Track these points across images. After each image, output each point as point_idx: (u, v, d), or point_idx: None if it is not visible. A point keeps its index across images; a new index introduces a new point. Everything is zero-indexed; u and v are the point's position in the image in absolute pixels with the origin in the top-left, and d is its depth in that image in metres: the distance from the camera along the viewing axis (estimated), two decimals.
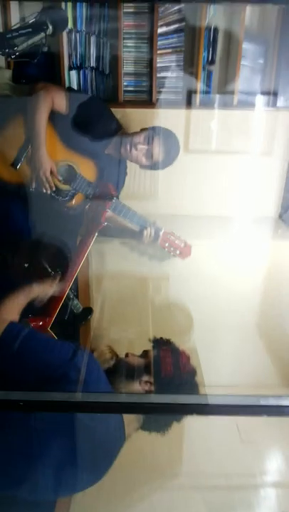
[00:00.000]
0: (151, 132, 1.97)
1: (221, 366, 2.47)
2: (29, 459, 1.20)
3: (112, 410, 1.06)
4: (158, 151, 1.96)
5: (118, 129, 2.06)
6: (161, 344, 1.48)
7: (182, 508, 1.91)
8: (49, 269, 1.85)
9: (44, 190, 1.90)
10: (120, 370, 1.49)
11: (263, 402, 0.92)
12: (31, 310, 1.55)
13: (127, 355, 1.50)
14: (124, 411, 1.15)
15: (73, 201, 2.00)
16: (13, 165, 1.87)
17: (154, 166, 2.02)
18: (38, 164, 1.85)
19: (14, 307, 1.44)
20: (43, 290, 1.60)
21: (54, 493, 1.39)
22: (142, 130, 2.00)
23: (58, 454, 1.21)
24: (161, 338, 1.53)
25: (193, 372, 1.41)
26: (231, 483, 1.95)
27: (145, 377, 1.39)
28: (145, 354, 1.48)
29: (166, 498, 1.92)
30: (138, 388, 1.37)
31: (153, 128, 1.99)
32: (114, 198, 1.94)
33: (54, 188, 1.92)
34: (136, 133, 2.00)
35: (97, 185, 1.98)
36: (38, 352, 1.28)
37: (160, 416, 1.27)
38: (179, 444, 1.93)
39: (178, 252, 2.06)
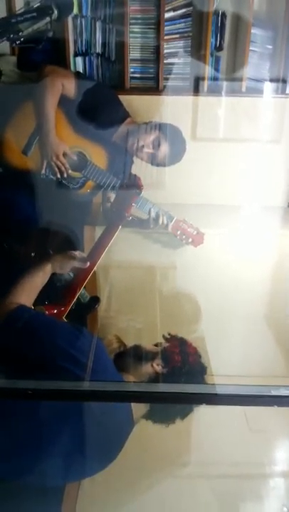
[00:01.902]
0: (157, 134, 1.96)
1: (229, 356, 2.46)
2: (38, 445, 1.20)
3: (120, 399, 1.06)
4: (164, 153, 1.97)
5: (125, 117, 2.04)
6: (173, 340, 1.47)
7: (190, 496, 1.92)
8: None
9: (58, 175, 1.88)
10: (130, 354, 1.49)
11: (274, 393, 0.90)
12: (47, 297, 1.53)
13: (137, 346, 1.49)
14: (132, 400, 1.15)
15: (83, 189, 1.99)
16: (24, 152, 1.85)
17: (160, 164, 2.02)
18: (49, 148, 1.83)
19: (28, 289, 1.40)
20: (59, 267, 1.53)
21: (63, 479, 1.39)
22: (148, 126, 1.97)
23: (67, 439, 1.21)
24: (173, 334, 1.51)
25: (203, 370, 1.40)
26: (239, 472, 1.96)
27: (157, 361, 1.39)
28: (156, 345, 1.47)
29: (174, 487, 1.93)
30: (150, 370, 1.36)
31: (159, 127, 1.97)
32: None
33: (69, 171, 1.89)
34: (142, 131, 1.97)
35: (123, 176, 1.94)
36: (44, 331, 1.28)
37: (168, 406, 1.26)
38: (187, 432, 1.93)
39: (190, 239, 2.04)
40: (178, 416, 1.32)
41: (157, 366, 1.36)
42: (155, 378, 1.34)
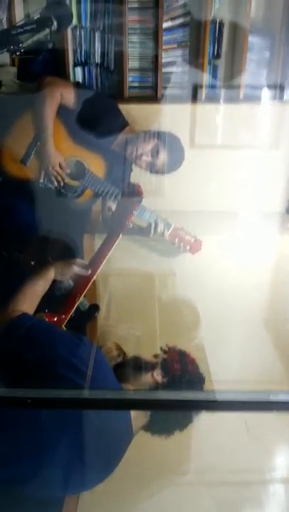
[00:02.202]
0: (155, 142, 1.97)
1: (229, 362, 2.46)
2: (36, 456, 1.20)
3: (120, 407, 1.06)
4: (162, 161, 1.99)
5: (124, 126, 2.06)
6: (172, 350, 1.47)
7: (190, 504, 1.91)
8: None
9: (55, 184, 1.90)
10: (130, 364, 1.49)
11: (272, 398, 0.91)
12: (47, 305, 1.54)
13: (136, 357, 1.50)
14: (131, 407, 1.15)
15: (82, 197, 2.00)
16: (23, 161, 1.87)
17: (158, 172, 2.04)
18: (46, 159, 1.85)
19: (29, 296, 1.41)
20: (60, 274, 1.55)
21: (62, 491, 1.39)
22: (147, 134, 1.99)
23: (65, 450, 1.21)
24: (171, 346, 1.52)
25: (201, 380, 1.40)
26: (239, 480, 1.95)
27: (157, 370, 1.39)
28: (156, 356, 1.47)
29: (175, 495, 1.92)
30: (150, 380, 1.36)
31: (158, 135, 1.98)
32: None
33: (66, 181, 1.91)
34: (141, 139, 1.99)
35: (122, 184, 1.97)
36: (45, 340, 1.28)
37: (167, 417, 1.26)
38: (187, 440, 1.92)
39: (188, 247, 2.05)
40: (177, 428, 1.31)
41: (157, 376, 1.36)
42: (155, 388, 1.34)
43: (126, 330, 2.45)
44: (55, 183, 1.90)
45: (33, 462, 1.20)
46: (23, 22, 1.27)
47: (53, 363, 1.20)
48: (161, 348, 1.46)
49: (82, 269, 1.56)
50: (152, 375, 1.37)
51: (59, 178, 1.89)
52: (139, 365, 1.43)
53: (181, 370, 1.37)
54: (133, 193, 1.81)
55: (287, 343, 2.48)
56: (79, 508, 1.75)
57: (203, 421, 1.47)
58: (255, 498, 1.91)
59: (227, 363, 2.44)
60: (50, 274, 1.50)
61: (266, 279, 2.39)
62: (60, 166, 1.88)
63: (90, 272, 1.57)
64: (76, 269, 1.55)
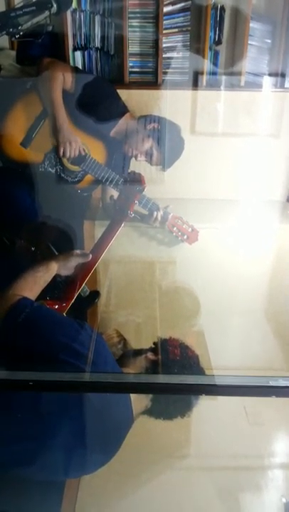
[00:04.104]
0: (150, 144, 1.99)
1: (228, 349, 2.47)
2: (38, 438, 1.21)
3: (120, 390, 1.06)
4: (158, 160, 2.02)
5: (124, 112, 2.05)
6: (172, 339, 1.48)
7: (190, 488, 1.93)
8: (55, 253, 1.85)
9: (66, 156, 1.88)
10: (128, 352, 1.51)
11: (272, 383, 0.91)
12: (49, 293, 1.54)
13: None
14: (132, 391, 1.16)
15: (82, 183, 2.00)
16: (23, 144, 1.85)
17: (158, 165, 2.06)
18: (63, 133, 1.84)
19: (31, 285, 1.40)
20: (63, 268, 1.55)
21: (63, 474, 1.40)
22: (144, 133, 1.99)
23: (66, 433, 1.22)
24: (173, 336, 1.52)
25: (197, 358, 1.40)
26: (239, 465, 1.97)
27: (150, 353, 1.40)
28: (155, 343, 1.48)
29: (174, 479, 1.94)
30: (144, 362, 1.37)
31: (158, 124, 1.99)
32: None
33: (83, 152, 1.90)
34: (136, 138, 2.00)
35: (122, 170, 1.97)
36: (46, 325, 1.28)
37: (168, 403, 1.27)
38: (187, 426, 1.94)
39: (185, 236, 2.05)
40: (178, 413, 1.32)
41: (151, 356, 1.38)
42: (153, 370, 1.35)
43: (126, 316, 2.46)
44: (67, 155, 1.87)
45: (34, 445, 1.21)
46: (22, 4, 1.25)
47: (54, 348, 1.20)
48: (161, 338, 1.47)
49: (85, 258, 1.57)
50: (146, 356, 1.38)
51: (72, 154, 1.87)
52: (136, 351, 1.44)
53: (181, 355, 1.38)
54: (136, 182, 1.81)
55: (286, 331, 2.49)
56: (80, 490, 1.77)
57: (203, 406, 1.48)
58: (254, 483, 1.94)
59: (227, 350, 2.46)
60: (53, 269, 1.50)
61: (266, 267, 2.39)
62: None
63: (91, 257, 1.57)
64: (79, 260, 1.55)
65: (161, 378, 1.00)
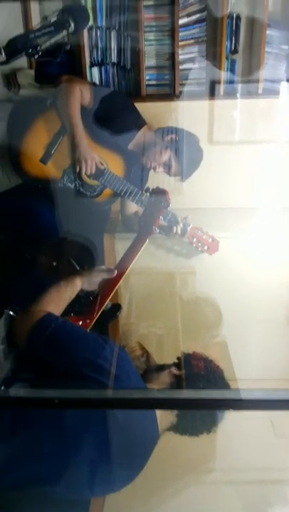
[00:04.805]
0: (168, 155, 1.99)
1: (252, 360, 2.44)
2: (62, 456, 1.21)
3: (145, 406, 1.06)
4: (177, 171, 2.02)
5: (141, 125, 2.06)
6: (196, 354, 1.47)
7: (216, 502, 1.90)
8: (77, 267, 1.86)
9: (85, 172, 1.90)
10: (151, 365, 1.50)
11: None
12: (73, 309, 1.55)
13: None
14: (157, 407, 1.15)
15: (101, 197, 2.01)
16: (43, 161, 1.88)
17: (177, 176, 2.06)
18: (82, 150, 1.86)
19: (56, 301, 1.42)
20: (88, 284, 1.56)
21: (88, 492, 1.39)
22: (162, 145, 1.99)
23: (91, 450, 1.21)
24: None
25: (221, 373, 1.39)
26: (266, 478, 1.94)
27: (174, 367, 1.39)
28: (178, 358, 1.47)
29: (200, 493, 1.92)
30: (168, 378, 1.37)
31: (176, 137, 1.99)
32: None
33: (102, 167, 1.92)
34: (155, 151, 2.00)
35: (141, 183, 1.98)
36: (71, 341, 1.29)
37: (194, 419, 1.25)
38: (213, 439, 1.91)
39: (206, 247, 2.04)
40: (204, 429, 1.31)
41: (175, 371, 1.37)
42: (176, 385, 1.34)
43: (147, 328, 2.45)
44: (86, 172, 1.89)
45: (60, 463, 1.21)
46: (40, 25, 1.27)
47: (79, 364, 1.20)
48: (184, 353, 1.46)
49: (109, 274, 1.58)
50: (170, 371, 1.38)
51: (88, 172, 1.89)
52: (159, 367, 1.43)
53: (205, 369, 1.36)
54: (161, 198, 1.82)
55: None
56: (105, 507, 1.76)
57: (229, 419, 1.46)
58: (281, 496, 1.90)
59: (250, 361, 2.42)
60: (77, 285, 1.51)
61: (287, 275, 2.36)
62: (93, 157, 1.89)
63: (116, 273, 1.58)
64: (104, 276, 1.56)
65: (186, 393, 0.99)
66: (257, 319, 2.43)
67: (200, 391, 0.97)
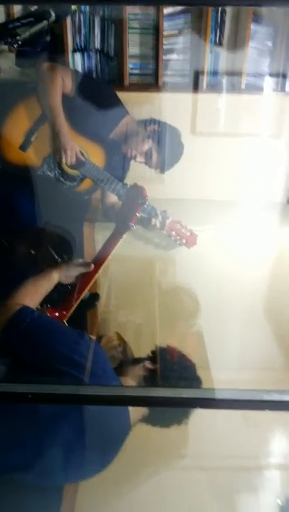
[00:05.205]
0: (150, 144, 1.98)
1: (227, 350, 2.49)
2: (36, 444, 1.24)
3: (118, 403, 1.08)
4: (158, 162, 2.01)
5: (123, 115, 2.04)
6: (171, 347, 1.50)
7: (187, 487, 1.96)
8: (56, 256, 1.86)
9: (66, 162, 1.88)
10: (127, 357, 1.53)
11: (266, 397, 0.93)
12: (50, 300, 1.56)
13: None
14: (130, 404, 1.18)
15: (81, 186, 2.00)
16: (22, 148, 1.86)
17: (157, 168, 2.06)
18: (63, 139, 1.83)
19: (32, 294, 1.44)
20: (65, 277, 1.58)
21: (61, 480, 1.43)
22: (144, 134, 1.98)
23: (64, 440, 1.24)
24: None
25: (194, 367, 1.43)
26: (235, 466, 2.00)
27: (148, 362, 1.42)
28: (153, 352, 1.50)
29: (172, 479, 1.97)
30: (140, 371, 1.40)
31: (158, 128, 1.98)
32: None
33: (82, 157, 1.90)
34: (136, 139, 1.99)
35: (129, 186, 1.96)
36: (46, 335, 1.31)
37: (164, 411, 1.29)
38: (185, 427, 1.96)
39: (184, 240, 2.05)
40: (175, 421, 1.35)
41: (148, 365, 1.41)
42: (150, 377, 1.37)
43: (126, 316, 2.47)
44: (66, 161, 1.87)
45: (33, 451, 1.23)
46: (20, 15, 1.24)
47: (53, 358, 1.22)
48: (159, 347, 1.49)
49: (86, 268, 1.59)
50: (144, 365, 1.41)
51: (69, 161, 1.87)
52: (134, 360, 1.46)
53: (178, 364, 1.40)
54: (137, 194, 1.82)
55: (285, 332, 2.51)
56: (79, 494, 1.80)
57: (201, 410, 1.50)
58: (251, 483, 1.97)
59: (225, 351, 2.47)
60: (54, 278, 1.53)
61: (266, 269, 2.40)
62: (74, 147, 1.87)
63: (93, 267, 1.60)
64: (80, 270, 1.57)
65: (160, 392, 1.02)
66: (234, 311, 2.47)
67: (173, 389, 1.00)
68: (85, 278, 1.62)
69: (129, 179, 2.12)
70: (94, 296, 2.16)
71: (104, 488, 1.85)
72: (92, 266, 1.59)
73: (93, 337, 1.90)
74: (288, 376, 2.59)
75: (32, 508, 1.40)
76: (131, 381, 1.35)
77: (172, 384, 1.36)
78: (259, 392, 0.94)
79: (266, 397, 0.94)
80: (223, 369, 2.37)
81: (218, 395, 0.96)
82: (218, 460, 2.02)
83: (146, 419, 1.34)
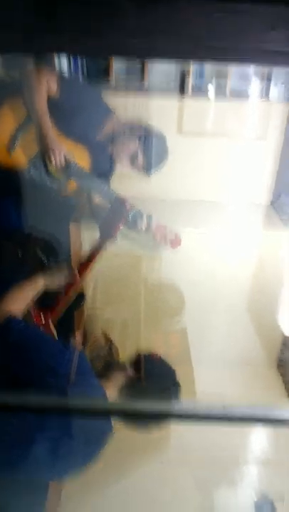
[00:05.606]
0: (135, 148, 1.99)
1: (210, 346, 2.55)
2: (21, 444, 1.28)
3: (99, 415, 1.13)
4: (142, 167, 2.02)
5: (109, 117, 2.04)
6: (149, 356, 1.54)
7: (169, 480, 2.03)
8: (43, 258, 1.88)
9: (54, 164, 1.89)
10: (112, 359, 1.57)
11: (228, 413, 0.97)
12: (37, 303, 1.60)
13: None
14: (113, 415, 1.23)
15: (66, 189, 2.01)
16: (8, 149, 1.85)
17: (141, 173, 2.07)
18: (49, 141, 1.84)
19: (18, 301, 1.47)
20: (51, 283, 1.63)
21: (46, 477, 1.48)
22: (132, 133, 1.99)
23: (47, 440, 1.28)
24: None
25: (174, 374, 1.47)
26: (216, 460, 2.07)
27: (130, 368, 1.47)
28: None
29: (154, 472, 2.04)
30: (122, 377, 1.44)
31: (143, 133, 1.99)
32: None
33: (68, 160, 1.91)
34: (122, 142, 2.00)
35: (108, 173, 1.97)
36: (31, 347, 1.33)
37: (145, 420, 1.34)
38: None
39: (169, 243, 2.08)
40: (156, 429, 1.40)
41: (131, 372, 1.45)
42: (132, 383, 1.42)
43: (112, 313, 2.51)
44: (56, 163, 1.88)
45: (18, 450, 1.28)
46: None
47: (37, 369, 1.26)
48: (142, 354, 1.53)
49: (72, 278, 1.63)
50: (126, 372, 1.45)
51: (58, 162, 1.88)
52: (117, 364, 1.51)
53: (160, 371, 1.45)
54: (120, 208, 1.85)
55: (267, 330, 2.58)
56: (64, 489, 1.86)
57: None
58: (229, 478, 2.04)
59: (208, 347, 2.53)
60: (40, 284, 1.57)
61: (248, 269, 2.45)
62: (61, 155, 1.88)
63: (78, 278, 1.64)
64: (66, 279, 1.62)
65: (138, 405, 1.06)
66: (217, 309, 2.53)
67: (151, 403, 1.04)
68: (72, 284, 1.66)
69: (116, 177, 2.14)
70: (80, 297, 2.20)
71: (87, 481, 1.91)
72: (78, 277, 1.63)
73: (78, 334, 1.97)
74: (268, 371, 2.66)
75: (19, 496, 1.45)
76: (113, 387, 1.39)
77: (152, 390, 1.40)
78: (221, 407, 0.98)
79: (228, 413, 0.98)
80: (205, 364, 2.44)
81: (201, 410, 1.00)
82: (197, 454, 2.09)
83: (127, 426, 1.39)
